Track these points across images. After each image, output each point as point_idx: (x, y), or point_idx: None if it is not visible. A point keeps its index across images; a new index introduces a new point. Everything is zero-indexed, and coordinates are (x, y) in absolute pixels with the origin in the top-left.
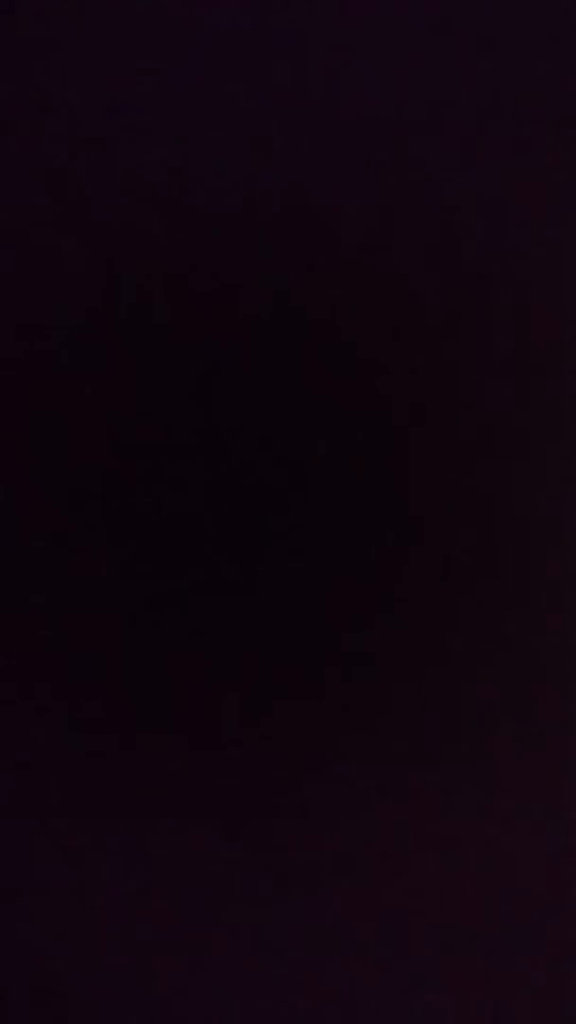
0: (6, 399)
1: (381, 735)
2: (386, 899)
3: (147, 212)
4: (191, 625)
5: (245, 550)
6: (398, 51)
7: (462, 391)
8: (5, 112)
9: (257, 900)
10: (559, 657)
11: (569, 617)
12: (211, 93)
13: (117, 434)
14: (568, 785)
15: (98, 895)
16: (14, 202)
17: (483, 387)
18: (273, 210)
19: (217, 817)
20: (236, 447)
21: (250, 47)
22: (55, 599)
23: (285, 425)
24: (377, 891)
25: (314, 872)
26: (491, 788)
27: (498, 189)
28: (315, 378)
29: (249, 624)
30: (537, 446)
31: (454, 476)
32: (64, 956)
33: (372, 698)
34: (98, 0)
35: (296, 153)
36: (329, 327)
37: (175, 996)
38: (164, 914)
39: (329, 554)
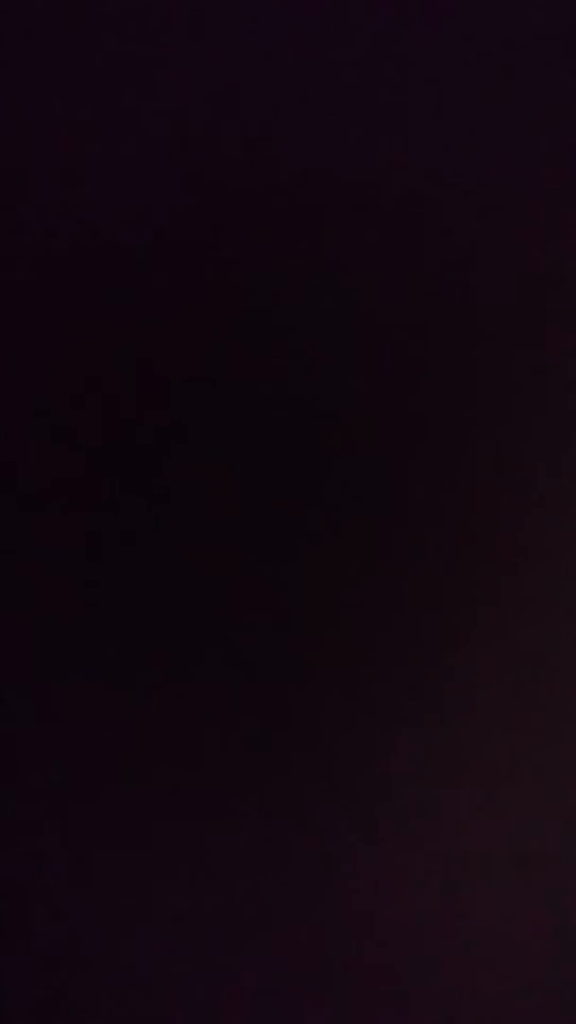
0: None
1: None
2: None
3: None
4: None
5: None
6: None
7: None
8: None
9: (259, 890)
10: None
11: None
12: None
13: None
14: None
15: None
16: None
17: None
18: (276, 210)
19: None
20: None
21: (249, 45)
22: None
23: (284, 428)
24: (377, 893)
25: (314, 868)
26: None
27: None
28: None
29: (246, 603)
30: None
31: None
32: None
33: (370, 690)
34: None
35: (296, 150)
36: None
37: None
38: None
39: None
